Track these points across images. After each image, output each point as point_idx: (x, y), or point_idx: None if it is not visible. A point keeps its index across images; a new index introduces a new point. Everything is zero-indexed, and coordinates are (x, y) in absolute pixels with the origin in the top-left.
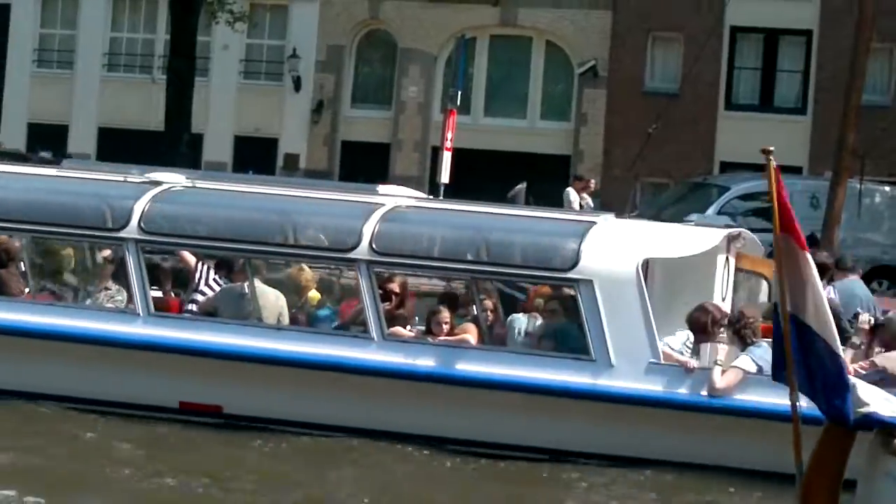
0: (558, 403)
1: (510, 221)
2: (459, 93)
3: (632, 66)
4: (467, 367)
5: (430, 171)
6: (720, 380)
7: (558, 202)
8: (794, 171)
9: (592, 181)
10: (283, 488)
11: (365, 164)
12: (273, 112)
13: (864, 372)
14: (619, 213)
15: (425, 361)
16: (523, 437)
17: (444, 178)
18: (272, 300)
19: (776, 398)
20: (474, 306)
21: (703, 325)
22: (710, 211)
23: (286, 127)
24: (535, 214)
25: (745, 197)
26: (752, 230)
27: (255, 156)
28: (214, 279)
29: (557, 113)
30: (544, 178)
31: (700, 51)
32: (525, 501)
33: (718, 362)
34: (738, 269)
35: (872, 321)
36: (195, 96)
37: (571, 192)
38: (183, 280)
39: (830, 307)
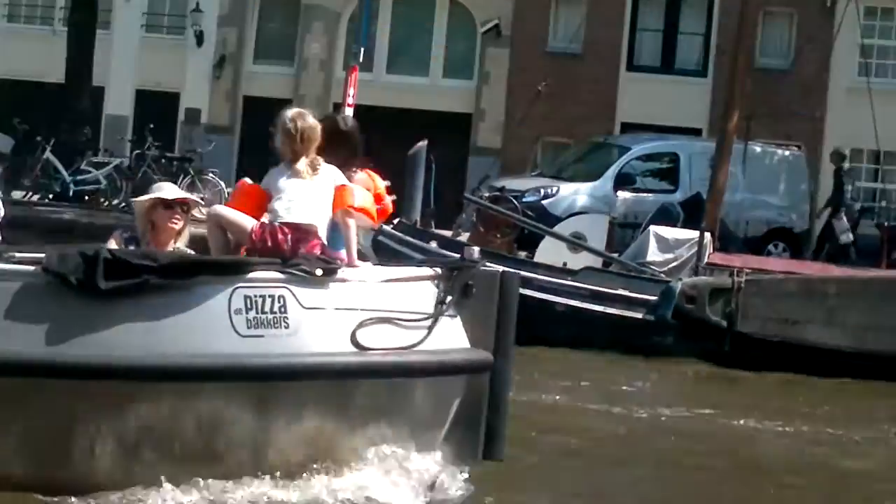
0: None
1: None
2: (363, 50)
3: (535, 25)
4: None
5: None
6: None
7: (460, 161)
8: (695, 132)
9: None
10: None
11: (267, 120)
12: (175, 66)
13: None
14: (521, 172)
15: None
16: None
17: None
18: None
19: None
20: None
21: None
22: (611, 171)
23: (188, 81)
24: None
25: (645, 158)
26: (652, 191)
27: (156, 110)
28: None
29: (460, 71)
30: (446, 137)
31: (604, 11)
32: None
33: None
34: None
35: None
36: (97, 49)
37: None
38: None
39: None
